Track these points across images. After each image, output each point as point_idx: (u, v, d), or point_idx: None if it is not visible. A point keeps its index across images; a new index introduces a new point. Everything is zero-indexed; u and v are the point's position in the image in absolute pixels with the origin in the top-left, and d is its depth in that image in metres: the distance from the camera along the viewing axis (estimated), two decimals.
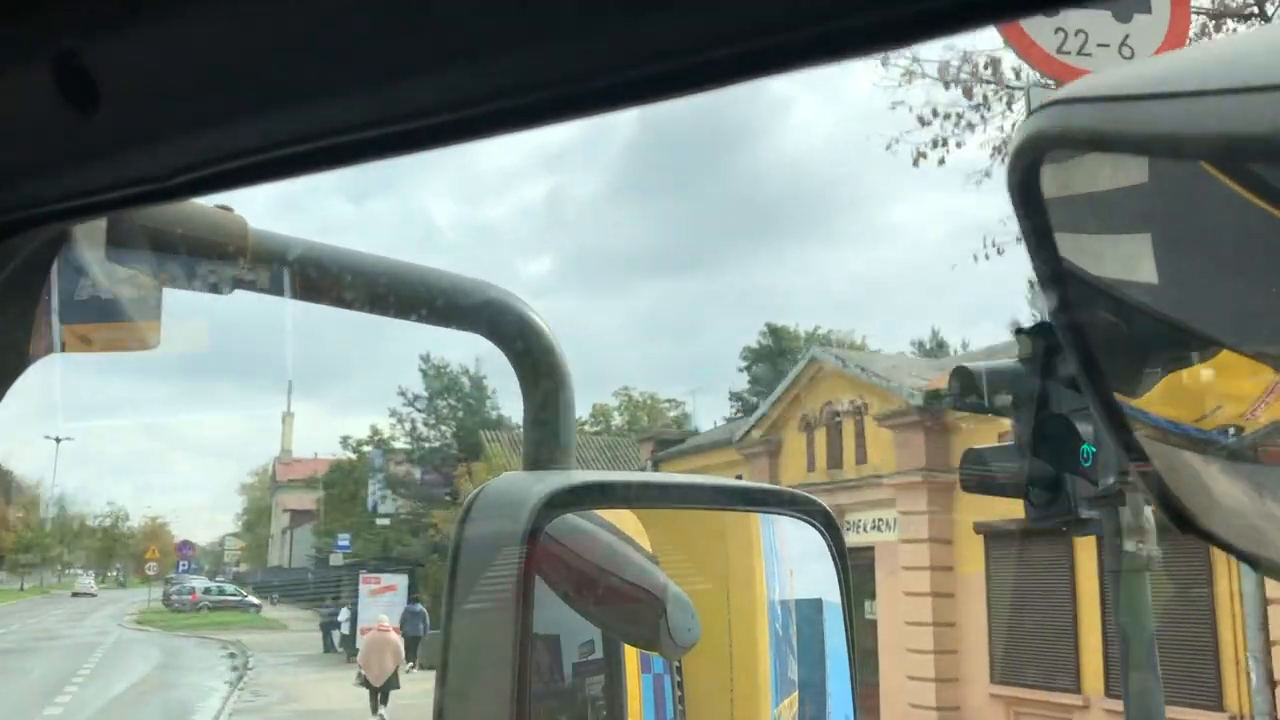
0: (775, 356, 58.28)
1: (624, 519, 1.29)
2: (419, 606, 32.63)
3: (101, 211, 0.92)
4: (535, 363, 1.43)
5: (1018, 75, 12.50)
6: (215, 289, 1.24)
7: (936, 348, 47.61)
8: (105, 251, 1.14)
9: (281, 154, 0.68)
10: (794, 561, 1.53)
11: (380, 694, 21.89)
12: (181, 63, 0.67)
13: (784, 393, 22.63)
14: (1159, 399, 0.67)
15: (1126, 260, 0.66)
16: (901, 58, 13.08)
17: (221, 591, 55.97)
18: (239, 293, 1.28)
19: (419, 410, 48.07)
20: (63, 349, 1.10)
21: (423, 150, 0.66)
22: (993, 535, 17.28)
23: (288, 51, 0.64)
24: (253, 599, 55.06)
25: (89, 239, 1.10)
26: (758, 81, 0.56)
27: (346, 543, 42.91)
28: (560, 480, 1.22)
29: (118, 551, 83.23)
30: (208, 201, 1.23)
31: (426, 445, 47.82)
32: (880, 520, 19.78)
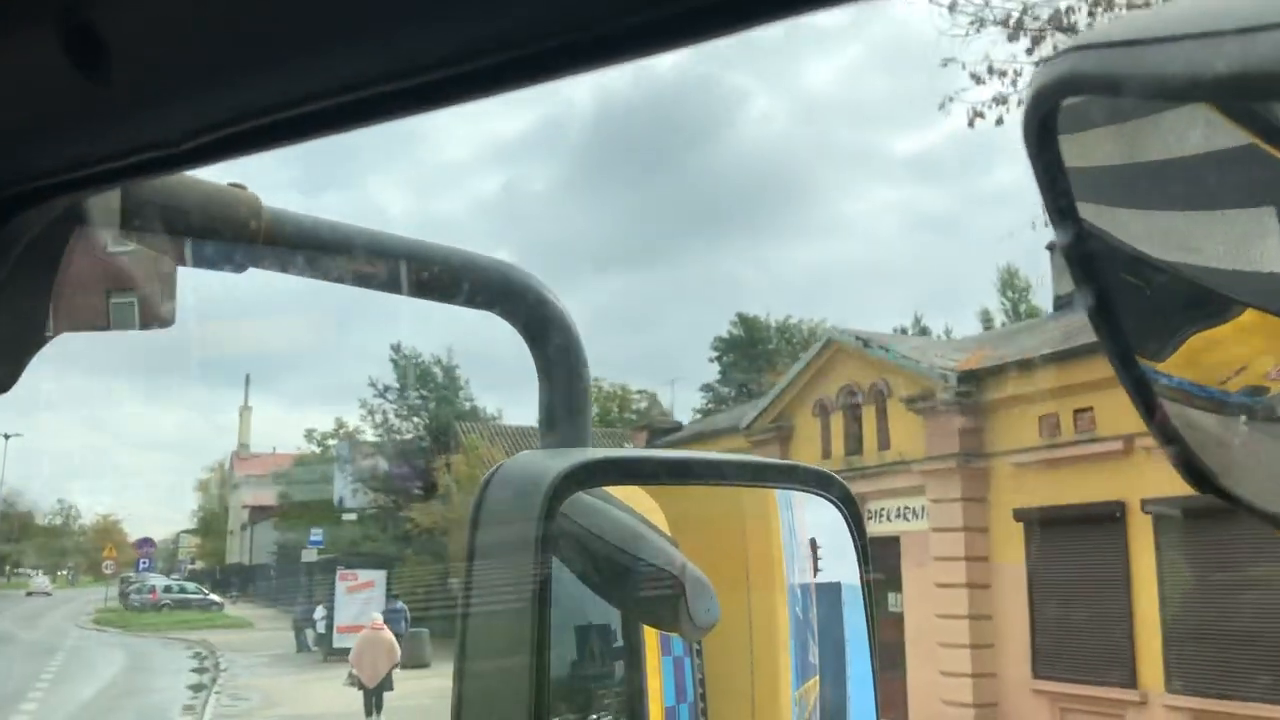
0: (746, 347, 57.71)
1: (638, 498, 1.28)
2: (399, 604, 31.37)
3: (115, 180, 0.88)
4: (552, 345, 1.43)
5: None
6: (230, 267, 1.24)
7: (920, 334, 47.07)
8: (119, 228, 1.13)
9: (297, 113, 0.67)
10: (817, 539, 1.52)
11: (374, 696, 20.65)
12: (193, 21, 0.66)
13: (797, 376, 21.68)
14: (1181, 361, 0.67)
15: (1148, 220, 0.66)
16: (971, 3, 12.18)
17: (183, 590, 54.08)
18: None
19: (390, 401, 46.74)
20: (78, 326, 1.11)
21: (442, 106, 0.65)
22: (1034, 522, 16.44)
23: (300, 5, 0.63)
24: (215, 597, 53.34)
25: (103, 215, 1.10)
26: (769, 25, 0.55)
27: (319, 538, 41.40)
28: (578, 457, 1.21)
29: (69, 550, 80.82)
30: (221, 177, 1.24)
31: (398, 437, 46.49)
32: (906, 508, 18.89)
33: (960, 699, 17.18)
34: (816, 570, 1.51)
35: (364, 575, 33.44)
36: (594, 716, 1.27)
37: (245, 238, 1.22)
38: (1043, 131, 0.63)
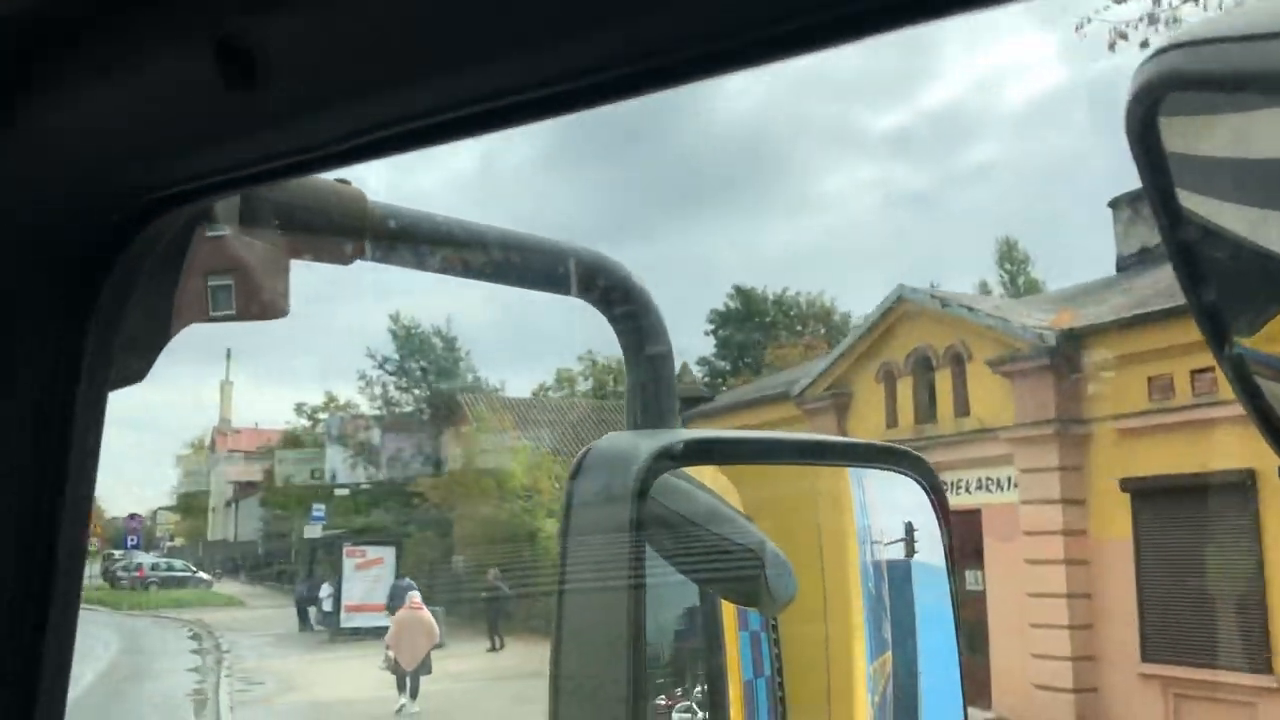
0: (742, 320, 56.45)
1: (713, 478, 1.31)
2: (408, 581, 29.86)
3: (255, 183, 0.91)
4: (638, 327, 1.46)
5: None
6: (337, 260, 1.29)
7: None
8: (238, 224, 1.18)
9: (433, 121, 0.70)
10: (890, 518, 1.53)
11: (410, 680, 19.23)
12: (337, 35, 0.69)
13: (857, 340, 20.32)
14: (1269, 337, 0.70)
15: (1246, 210, 0.70)
16: None
17: (170, 567, 52.37)
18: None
19: (389, 373, 45.14)
20: (201, 319, 1.17)
21: (570, 112, 0.67)
22: (1145, 492, 15.17)
23: (439, 17, 0.65)
24: (203, 574, 51.67)
25: (224, 213, 1.14)
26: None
27: (321, 513, 39.76)
28: (667, 438, 1.25)
29: None
30: (330, 175, 1.28)
31: (398, 410, 44.93)
32: (989, 479, 17.60)
33: (1055, 683, 15.93)
34: (893, 549, 1.51)
35: (373, 552, 31.97)
36: (679, 689, 1.28)
37: (352, 231, 1.26)
38: (1145, 124, 0.66)
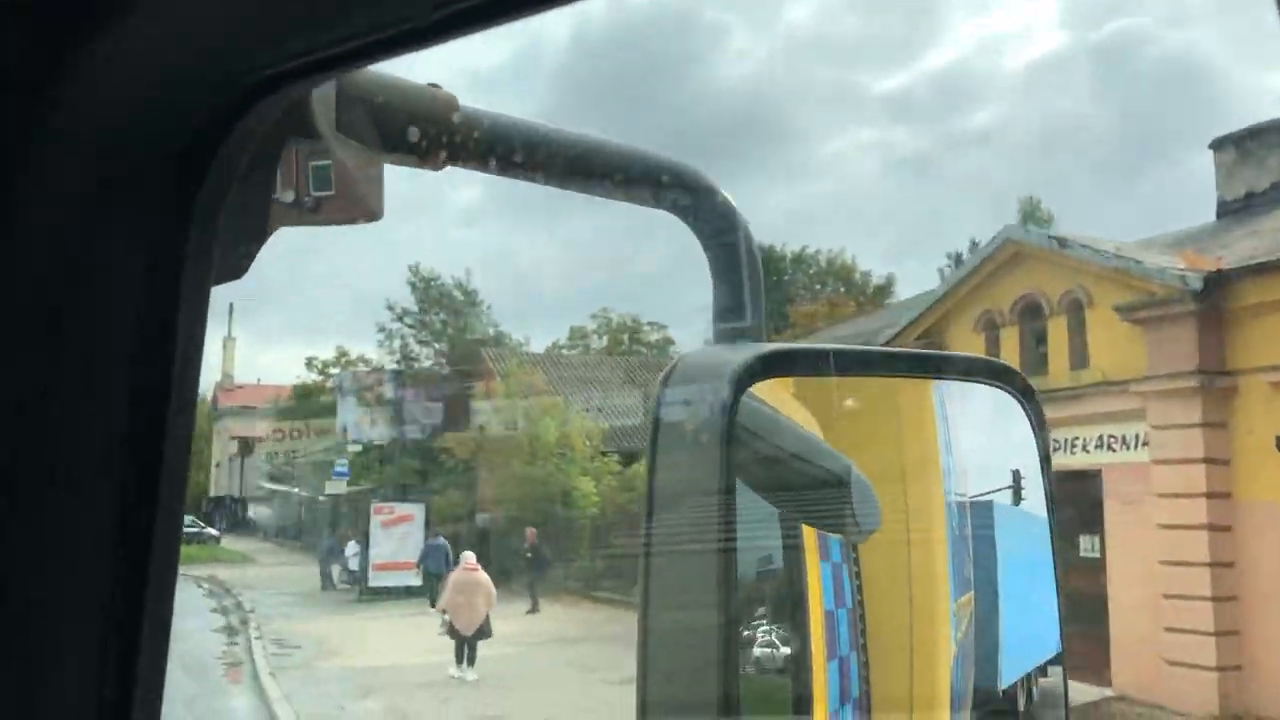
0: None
1: (790, 401, 1.29)
2: (441, 540, 28.44)
3: (353, 62, 0.88)
4: (727, 242, 1.46)
5: None
6: (428, 165, 1.27)
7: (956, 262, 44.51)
8: (330, 128, 1.17)
9: None
10: (984, 444, 1.52)
11: (469, 645, 17.79)
12: None
13: (954, 287, 18.77)
14: None
15: None
16: None
17: None
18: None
19: (409, 326, 43.50)
20: (293, 222, 1.18)
21: None
22: None
23: None
24: (211, 530, 50.28)
25: (319, 111, 1.14)
26: None
27: (345, 469, 38.20)
28: (757, 350, 1.23)
29: None
30: (420, 78, 1.29)
31: (417, 364, 43.36)
32: (1110, 437, 16.11)
33: (1192, 659, 14.50)
34: (981, 473, 1.48)
35: (401, 509, 30.54)
36: (760, 618, 1.24)
37: (443, 136, 1.24)
38: None
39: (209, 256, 0.84)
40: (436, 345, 43.03)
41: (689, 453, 1.13)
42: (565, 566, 28.46)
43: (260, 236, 1.08)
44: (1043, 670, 1.54)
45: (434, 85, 1.26)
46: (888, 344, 19.61)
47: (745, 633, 1.19)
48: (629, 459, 29.38)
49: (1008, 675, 1.51)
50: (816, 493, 1.27)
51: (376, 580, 29.50)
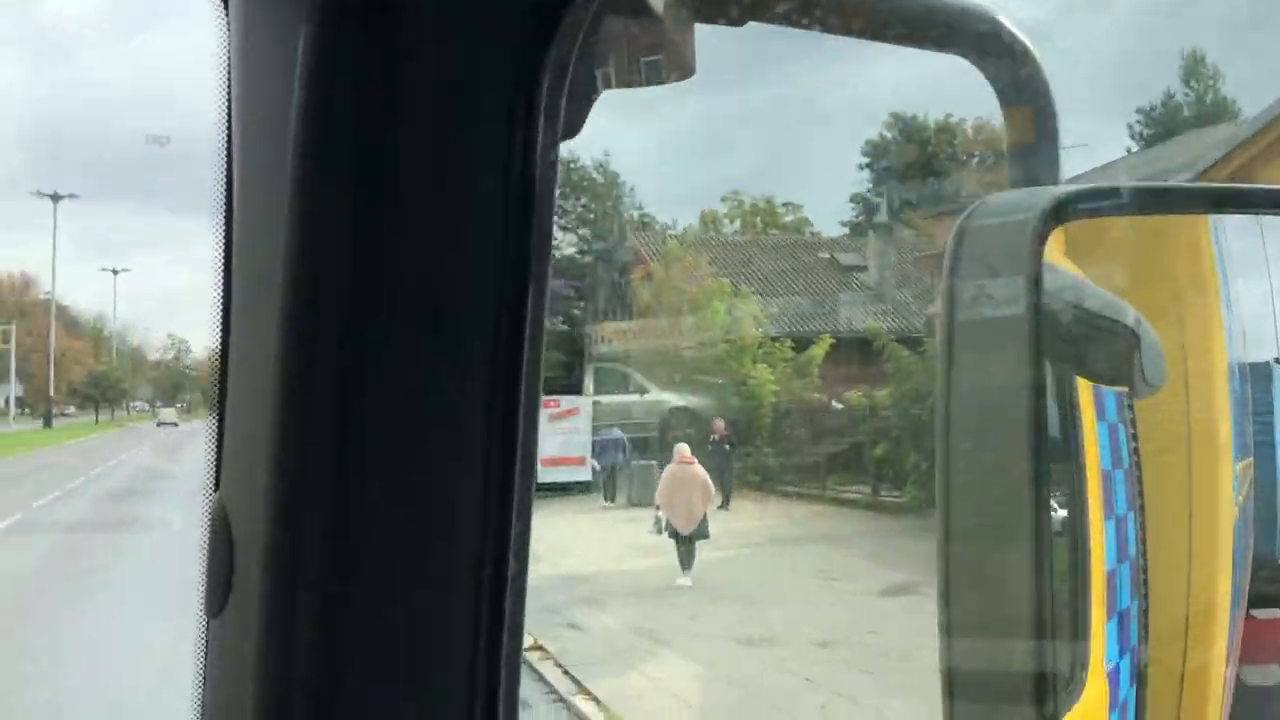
0: (903, 148, 51.94)
1: (1063, 257, 1.25)
2: (617, 432, 27.03)
3: None
4: (1018, 80, 1.43)
5: None
6: (731, 21, 1.26)
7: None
8: None
9: None
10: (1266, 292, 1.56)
11: (688, 545, 16.10)
12: None
13: (1271, 123, 15.89)
14: None
15: None
16: None
17: None
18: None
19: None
20: (615, 84, 1.15)
21: None
22: None
23: None
24: None
25: None
26: None
27: None
28: (1058, 192, 1.20)
29: (183, 383, 78.93)
30: None
31: (558, 253, 41.76)
32: None
33: None
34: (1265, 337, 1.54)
35: (567, 402, 29.10)
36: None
37: None
38: None
39: (557, 113, 0.87)
40: (580, 232, 41.25)
41: (987, 311, 1.07)
42: (748, 460, 26.84)
43: (593, 94, 1.06)
44: None
45: None
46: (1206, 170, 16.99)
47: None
48: (801, 344, 27.76)
49: None
50: (1106, 343, 1.21)
51: (545, 475, 28.25)
